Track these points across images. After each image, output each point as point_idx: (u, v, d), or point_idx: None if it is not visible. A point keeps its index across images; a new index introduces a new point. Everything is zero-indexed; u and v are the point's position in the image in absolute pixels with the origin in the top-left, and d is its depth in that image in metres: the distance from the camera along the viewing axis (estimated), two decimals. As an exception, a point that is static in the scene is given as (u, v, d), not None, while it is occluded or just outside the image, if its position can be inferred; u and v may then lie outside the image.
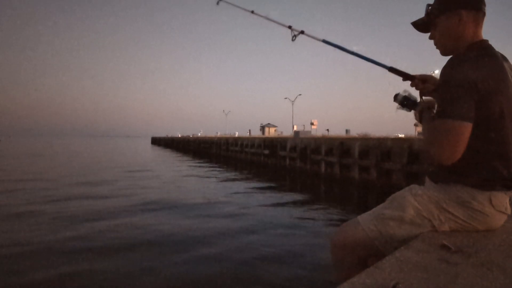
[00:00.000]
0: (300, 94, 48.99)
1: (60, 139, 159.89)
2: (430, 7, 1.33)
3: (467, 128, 1.11)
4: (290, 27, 1.77)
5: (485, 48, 1.23)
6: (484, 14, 1.26)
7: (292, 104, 46.09)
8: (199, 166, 19.09)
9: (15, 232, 5.35)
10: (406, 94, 1.39)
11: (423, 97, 1.39)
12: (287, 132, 47.42)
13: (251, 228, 5.84)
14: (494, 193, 1.20)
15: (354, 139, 12.59)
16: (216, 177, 13.70)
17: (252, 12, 1.90)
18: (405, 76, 1.44)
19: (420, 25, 1.38)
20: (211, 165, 19.86)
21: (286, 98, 49.64)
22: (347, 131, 36.22)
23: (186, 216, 6.65)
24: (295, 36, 1.74)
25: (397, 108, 1.41)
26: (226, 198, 8.86)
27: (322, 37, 1.64)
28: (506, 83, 1.17)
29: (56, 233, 5.29)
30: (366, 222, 1.27)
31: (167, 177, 13.67)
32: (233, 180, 12.90)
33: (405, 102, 1.38)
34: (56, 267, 3.94)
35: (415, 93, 1.42)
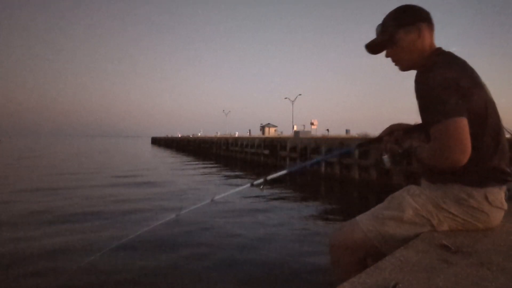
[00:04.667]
0: (300, 94, 48.86)
1: (60, 139, 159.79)
2: (383, 27, 1.35)
3: (465, 122, 1.10)
4: (252, 184, 1.80)
5: (447, 53, 1.27)
6: (433, 25, 1.31)
7: (292, 104, 46.12)
8: (199, 166, 19.08)
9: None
10: (388, 155, 1.43)
11: (402, 144, 1.42)
12: (287, 132, 47.45)
13: (249, 227, 5.84)
14: (489, 189, 1.21)
15: (354, 139, 12.60)
16: (216, 177, 13.69)
17: (212, 200, 2.02)
18: (374, 141, 1.51)
19: (374, 46, 1.38)
20: (211, 165, 19.85)
21: (286, 98, 49.63)
22: (347, 131, 36.24)
23: (185, 215, 6.64)
24: (262, 186, 1.77)
25: (389, 167, 1.46)
26: (225, 198, 8.85)
27: (285, 171, 1.73)
28: (480, 80, 1.21)
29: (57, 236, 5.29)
30: (365, 223, 1.27)
31: (167, 177, 13.67)
32: (233, 180, 12.90)
33: (394, 160, 1.41)
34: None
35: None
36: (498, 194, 1.23)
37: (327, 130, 40.21)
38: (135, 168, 16.80)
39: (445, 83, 1.11)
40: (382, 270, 0.94)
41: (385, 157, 1.40)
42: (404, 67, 1.35)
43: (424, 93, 1.16)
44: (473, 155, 1.13)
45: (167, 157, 27.58)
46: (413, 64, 1.32)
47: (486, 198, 1.20)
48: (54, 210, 6.99)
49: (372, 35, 1.40)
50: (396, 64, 1.36)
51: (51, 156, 27.42)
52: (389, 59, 1.37)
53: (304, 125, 41.78)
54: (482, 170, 1.20)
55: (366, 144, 1.52)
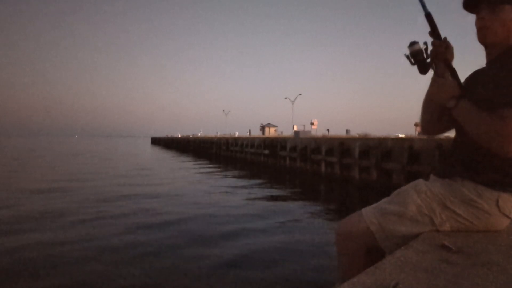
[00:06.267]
0: (300, 94, 48.91)
1: (60, 139, 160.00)
2: None
3: None
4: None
5: None
6: None
7: (292, 104, 46.09)
8: (199, 166, 19.09)
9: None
10: (425, 47, 1.23)
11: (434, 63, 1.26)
12: (287, 132, 47.49)
13: (251, 228, 5.84)
14: (503, 195, 1.18)
15: (354, 139, 12.61)
16: (216, 177, 13.69)
17: None
18: (435, 33, 1.24)
19: (472, 3, 1.26)
20: (211, 165, 19.86)
21: (286, 98, 49.62)
22: (347, 131, 36.30)
23: (187, 216, 6.64)
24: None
25: (406, 55, 1.26)
26: (226, 198, 8.86)
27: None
28: None
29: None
30: (369, 215, 1.28)
31: (168, 178, 13.67)
32: (233, 180, 12.90)
33: (418, 55, 1.24)
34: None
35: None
36: (510, 201, 1.19)
37: (327, 130, 40.29)
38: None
39: None
40: (382, 270, 0.93)
41: (419, 45, 1.24)
42: (488, 39, 1.26)
43: None
44: (496, 156, 1.09)
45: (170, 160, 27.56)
46: (497, 42, 1.24)
47: (497, 202, 1.17)
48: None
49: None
50: (483, 32, 1.26)
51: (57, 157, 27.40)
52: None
53: (304, 125, 41.83)
54: (502, 173, 1.17)
55: (432, 24, 1.23)
